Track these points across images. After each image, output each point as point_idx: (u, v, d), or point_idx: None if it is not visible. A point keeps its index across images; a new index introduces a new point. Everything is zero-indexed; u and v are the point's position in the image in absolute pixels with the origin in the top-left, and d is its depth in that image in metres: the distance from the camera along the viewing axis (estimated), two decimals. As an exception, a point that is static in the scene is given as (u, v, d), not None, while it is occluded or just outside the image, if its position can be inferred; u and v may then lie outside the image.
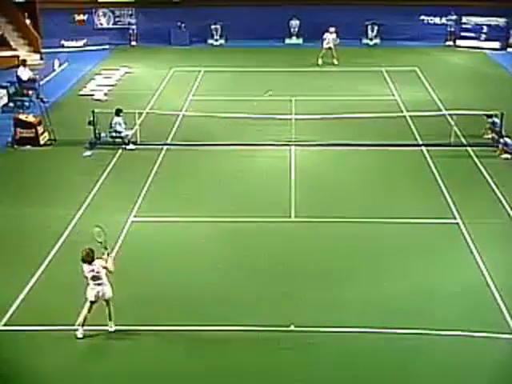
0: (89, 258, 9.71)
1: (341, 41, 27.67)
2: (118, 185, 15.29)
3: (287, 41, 29.10)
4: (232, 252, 12.47)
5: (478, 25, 27.93)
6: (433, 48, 27.63)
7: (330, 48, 25.24)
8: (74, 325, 10.23)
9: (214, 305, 10.81)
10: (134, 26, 29.35)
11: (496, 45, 27.38)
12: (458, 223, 13.25)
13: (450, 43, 28.32)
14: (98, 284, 9.80)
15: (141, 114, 18.91)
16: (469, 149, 16.96)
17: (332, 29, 25.11)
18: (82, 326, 9.91)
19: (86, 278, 9.84)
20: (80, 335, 9.92)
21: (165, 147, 17.44)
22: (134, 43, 29.29)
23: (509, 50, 27.09)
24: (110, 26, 29.76)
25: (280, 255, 12.31)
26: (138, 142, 17.64)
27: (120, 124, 17.60)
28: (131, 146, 17.48)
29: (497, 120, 17.29)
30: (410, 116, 18.93)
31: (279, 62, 25.65)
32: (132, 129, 17.88)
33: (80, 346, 9.89)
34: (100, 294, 9.84)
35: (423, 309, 10.57)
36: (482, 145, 17.09)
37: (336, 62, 25.18)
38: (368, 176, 15.67)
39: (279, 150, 17.12)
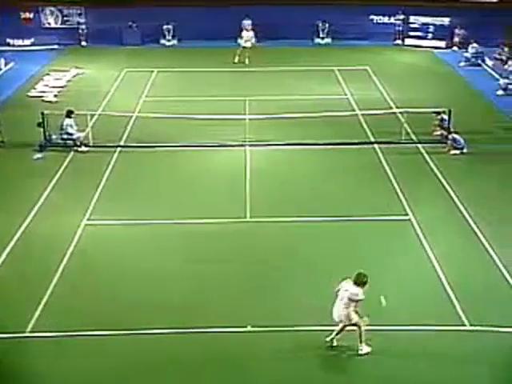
0: (359, 283, 9.35)
1: (293, 40, 28.03)
2: (71, 187, 15.00)
3: (240, 41, 29.07)
4: (187, 254, 12.41)
5: (424, 24, 28.62)
6: (383, 47, 28.14)
7: (245, 47, 25.31)
8: (24, 332, 10.02)
9: (169, 308, 10.75)
10: (83, 26, 28.76)
11: (442, 44, 28.13)
12: (409, 219, 13.55)
13: (399, 42, 28.91)
14: (345, 307, 9.40)
15: (93, 115, 18.62)
16: (419, 146, 17.36)
17: (249, 26, 25.25)
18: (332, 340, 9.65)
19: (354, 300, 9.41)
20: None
21: (118, 149, 17.20)
22: (84, 43, 28.70)
23: (454, 48, 27.86)
24: (59, 25, 29.08)
25: (236, 256, 12.32)
26: (91, 144, 17.35)
27: (71, 126, 17.27)
28: (83, 148, 17.17)
29: (445, 117, 17.76)
30: (362, 114, 19.24)
31: (232, 63, 25.62)
32: (84, 131, 17.57)
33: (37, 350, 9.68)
34: (344, 318, 9.47)
35: (375, 305, 10.74)
36: (431, 141, 17.53)
37: (247, 62, 25.29)
38: (322, 175, 15.85)
39: (234, 151, 17.13)
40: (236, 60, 25.41)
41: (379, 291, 11.06)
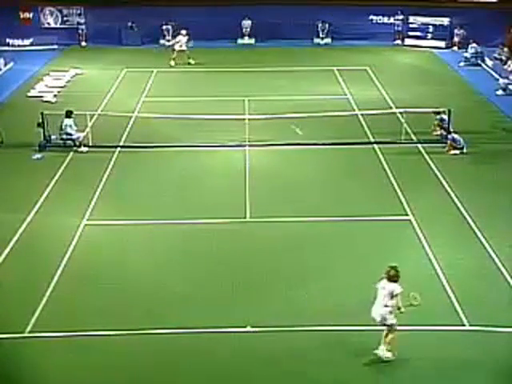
0: (393, 278, 9.20)
1: (293, 40, 28.06)
2: (71, 188, 14.99)
3: (239, 41, 29.11)
4: (187, 253, 12.41)
5: (424, 24, 28.64)
6: (382, 47, 28.14)
7: (183, 50, 25.45)
8: (24, 332, 10.00)
9: (170, 307, 10.75)
10: (83, 26, 28.75)
11: (442, 44, 28.15)
12: (409, 220, 13.54)
13: (399, 42, 28.93)
14: (384, 305, 9.26)
15: (92, 115, 18.62)
16: (419, 146, 17.36)
17: (184, 31, 25.48)
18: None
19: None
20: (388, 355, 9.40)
21: (117, 149, 17.20)
22: (83, 43, 28.70)
23: (454, 48, 27.88)
24: (58, 25, 29.07)
25: (236, 256, 12.32)
26: (90, 145, 17.34)
27: (71, 126, 17.26)
28: (83, 149, 17.16)
29: (445, 117, 17.76)
30: (362, 115, 19.24)
31: (232, 63, 25.65)
32: (83, 131, 17.56)
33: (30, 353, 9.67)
34: (380, 317, 9.31)
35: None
36: (431, 141, 17.53)
37: (192, 62, 25.41)
38: (321, 175, 15.84)
39: (233, 151, 17.12)
40: (173, 64, 25.27)
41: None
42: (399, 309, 9.30)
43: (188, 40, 25.61)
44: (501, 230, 13.04)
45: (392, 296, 9.20)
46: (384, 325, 9.40)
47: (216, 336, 10.03)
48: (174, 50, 25.50)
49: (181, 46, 25.46)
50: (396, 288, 9.21)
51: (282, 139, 17.56)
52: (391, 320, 9.33)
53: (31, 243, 12.66)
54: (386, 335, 9.46)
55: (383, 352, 9.46)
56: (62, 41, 28.31)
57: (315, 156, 16.92)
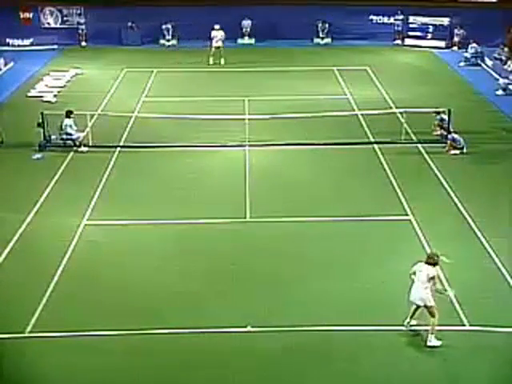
0: (430, 260, 9.76)
1: (293, 40, 28.05)
2: (71, 188, 14.99)
3: (239, 41, 29.12)
4: (188, 254, 12.41)
5: (424, 24, 28.64)
6: (382, 47, 28.13)
7: (218, 47, 25.33)
8: (24, 332, 10.01)
9: (170, 307, 10.76)
10: (83, 26, 28.75)
11: (442, 44, 28.16)
12: (409, 220, 13.55)
13: (399, 42, 28.92)
14: (424, 288, 9.69)
15: (92, 115, 18.62)
16: (419, 145, 17.36)
17: (217, 26, 25.32)
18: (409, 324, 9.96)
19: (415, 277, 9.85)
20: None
21: (117, 149, 17.20)
22: (84, 43, 28.69)
23: (453, 48, 27.89)
24: (58, 25, 29.06)
25: (236, 256, 12.33)
26: (91, 145, 17.35)
27: (71, 126, 17.27)
28: (83, 149, 17.17)
29: (445, 117, 17.77)
30: (362, 114, 19.24)
31: (232, 63, 25.63)
32: (83, 131, 17.57)
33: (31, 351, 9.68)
34: (420, 301, 9.77)
35: (376, 306, 10.75)
36: (431, 141, 17.53)
37: (222, 62, 25.32)
38: (321, 175, 15.85)
39: (233, 151, 17.12)
40: (211, 61, 25.30)
41: (379, 290, 11.12)
42: (438, 291, 9.75)
43: (224, 35, 25.21)
44: (501, 230, 13.03)
45: (431, 278, 9.64)
46: (425, 307, 9.73)
47: (216, 336, 10.04)
48: (211, 46, 25.35)
49: (217, 41, 25.27)
50: (431, 271, 9.65)
51: (281, 139, 17.57)
52: (433, 303, 9.69)
53: (31, 243, 12.67)
54: (414, 314, 9.84)
55: (434, 341, 9.74)
56: (62, 41, 28.31)
57: (315, 156, 16.92)
